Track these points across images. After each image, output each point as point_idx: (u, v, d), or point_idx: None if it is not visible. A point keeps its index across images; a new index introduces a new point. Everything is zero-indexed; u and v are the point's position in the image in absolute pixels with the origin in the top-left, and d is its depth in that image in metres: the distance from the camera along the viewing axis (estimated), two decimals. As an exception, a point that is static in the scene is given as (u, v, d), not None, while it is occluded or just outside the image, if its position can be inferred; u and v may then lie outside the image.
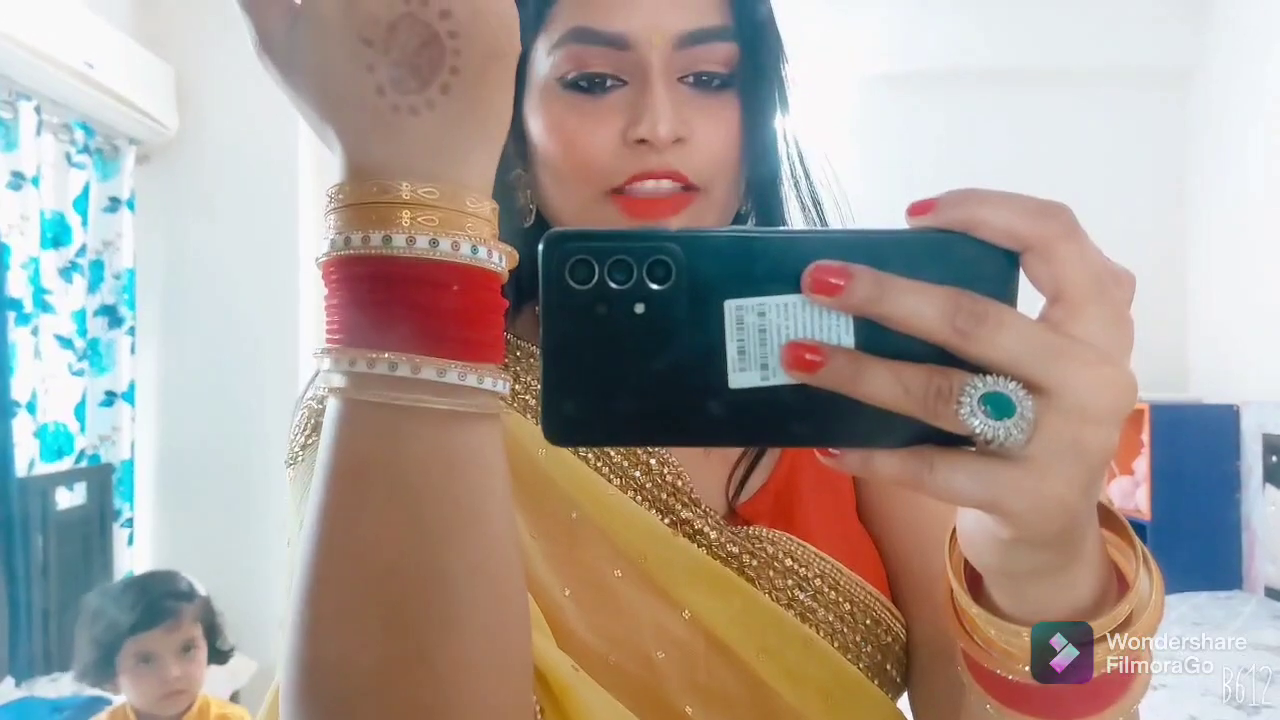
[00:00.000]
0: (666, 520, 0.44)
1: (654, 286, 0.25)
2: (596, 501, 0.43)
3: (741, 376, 0.25)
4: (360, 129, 0.27)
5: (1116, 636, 0.29)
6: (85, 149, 2.34)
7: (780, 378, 0.25)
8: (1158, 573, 0.31)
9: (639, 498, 0.44)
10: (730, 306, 0.25)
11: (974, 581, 0.30)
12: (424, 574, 0.27)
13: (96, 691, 1.84)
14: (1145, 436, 2.85)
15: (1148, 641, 0.30)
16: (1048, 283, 0.25)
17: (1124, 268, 0.27)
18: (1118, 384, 0.24)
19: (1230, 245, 2.93)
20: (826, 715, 0.43)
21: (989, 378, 0.24)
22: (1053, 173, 3.02)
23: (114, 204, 2.47)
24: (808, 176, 0.47)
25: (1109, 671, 0.29)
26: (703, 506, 0.45)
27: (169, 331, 2.71)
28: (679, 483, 0.44)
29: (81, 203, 2.34)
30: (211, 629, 1.46)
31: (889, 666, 0.44)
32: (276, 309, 2.70)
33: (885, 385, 0.24)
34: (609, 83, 0.42)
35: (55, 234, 2.28)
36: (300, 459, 0.45)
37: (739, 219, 0.46)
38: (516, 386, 0.45)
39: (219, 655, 1.48)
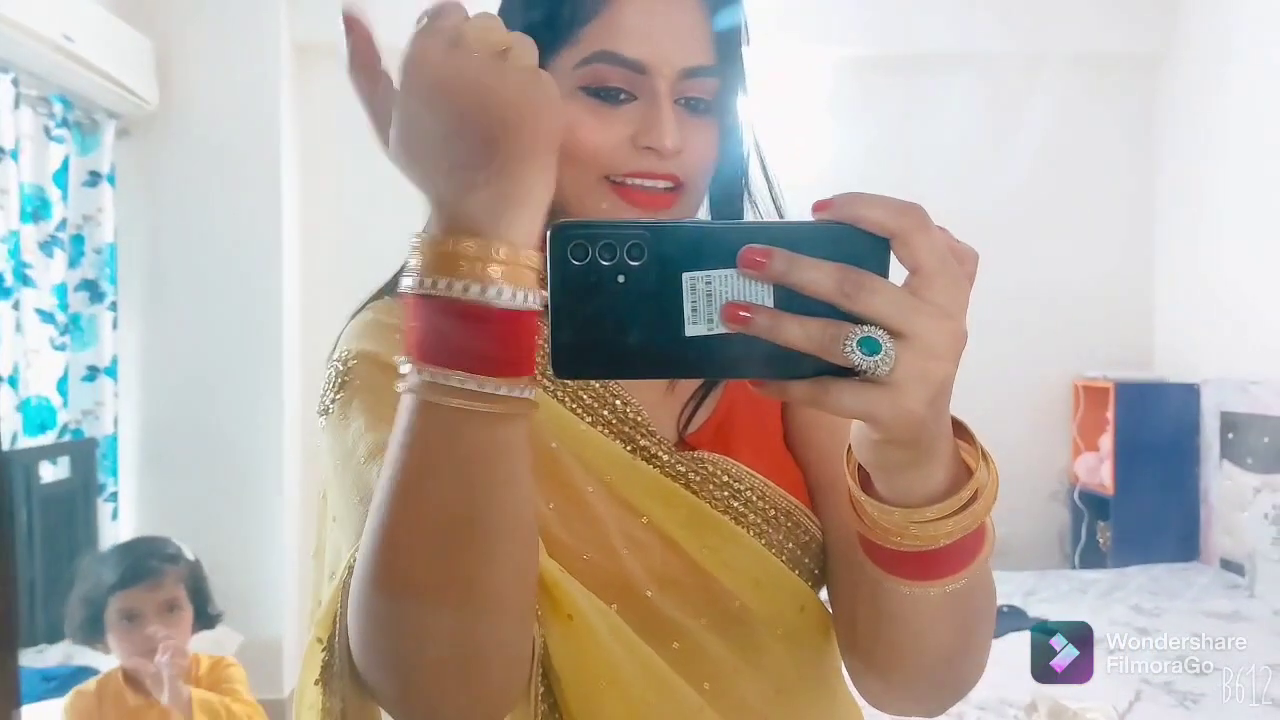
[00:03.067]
0: (628, 448, 0.54)
1: (631, 263, 0.35)
2: (572, 434, 0.54)
3: (694, 328, 0.35)
4: (441, 196, 0.38)
5: (962, 512, 0.39)
6: (64, 122, 2.33)
7: (721, 329, 0.34)
8: (994, 465, 0.40)
9: (607, 431, 0.54)
10: (686, 277, 0.35)
11: (865, 481, 0.41)
12: (470, 525, 0.39)
13: (84, 661, 1.88)
14: (1110, 414, 2.95)
15: (989, 516, 0.40)
16: (908, 261, 0.35)
17: (968, 246, 0.37)
18: (955, 332, 0.35)
19: (1196, 231, 3.02)
20: (755, 597, 0.54)
21: (865, 327, 0.34)
22: (1023, 157, 3.07)
23: (94, 178, 2.46)
24: (765, 172, 0.60)
25: (960, 539, 0.40)
26: (657, 436, 0.55)
27: (151, 306, 2.71)
28: (639, 418, 0.55)
29: (61, 176, 2.33)
30: (199, 593, 1.50)
31: (806, 559, 0.56)
32: (258, 283, 2.71)
33: (794, 333, 0.34)
34: (622, 95, 0.52)
35: (35, 208, 2.27)
36: (331, 410, 0.53)
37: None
38: None
39: (207, 619, 1.52)
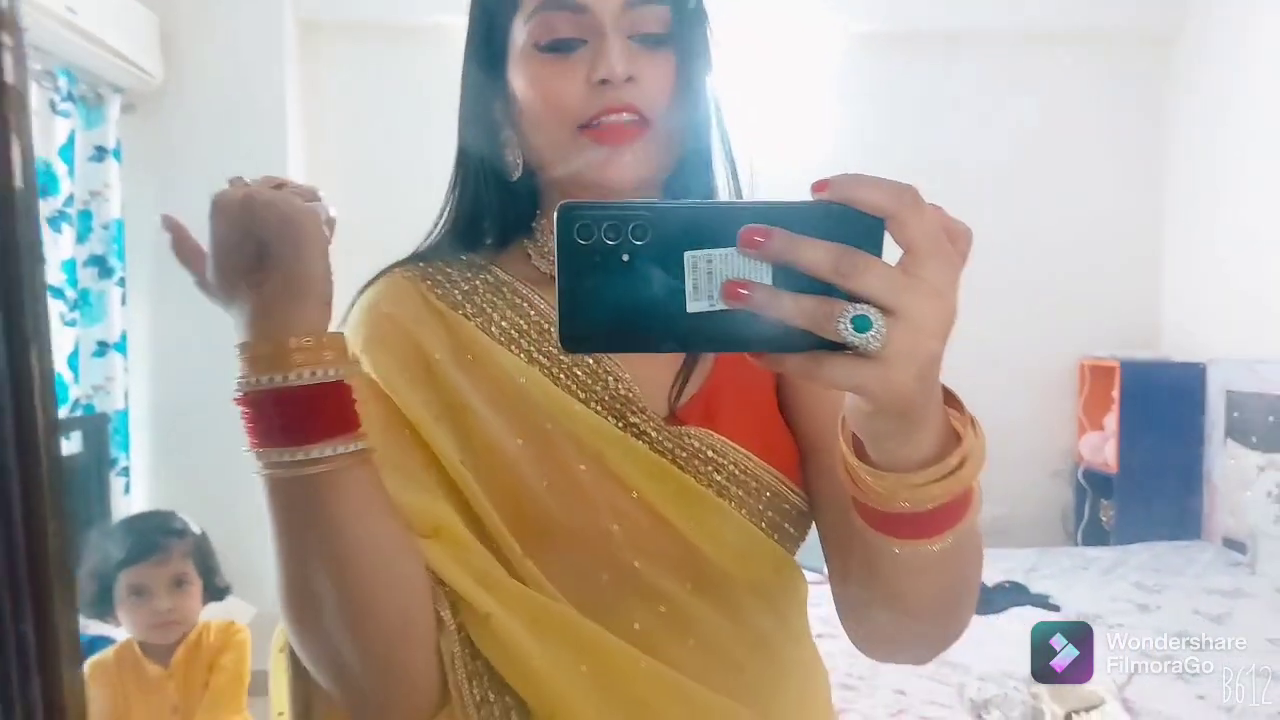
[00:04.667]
0: (619, 424, 0.56)
1: (635, 243, 0.36)
2: (565, 413, 0.55)
3: (695, 304, 0.36)
4: (240, 306, 0.48)
5: (950, 477, 0.41)
6: (69, 96, 2.33)
7: (721, 305, 0.36)
8: (981, 432, 0.42)
9: (599, 408, 0.56)
10: (688, 256, 0.36)
11: (858, 448, 0.42)
12: (326, 559, 0.48)
13: (100, 631, 1.91)
14: (1116, 393, 2.95)
15: (976, 480, 0.43)
16: (901, 240, 0.36)
17: (962, 224, 0.38)
18: (945, 310, 0.36)
19: (1203, 210, 2.99)
20: (736, 563, 0.56)
21: (858, 305, 0.35)
22: (1033, 134, 3.05)
23: (100, 153, 2.46)
24: (723, 124, 0.59)
25: (948, 501, 0.42)
26: (647, 412, 0.57)
27: (159, 282, 2.72)
28: (630, 394, 0.56)
29: (67, 151, 2.33)
30: (206, 566, 1.53)
31: (785, 524, 0.58)
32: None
33: (790, 309, 0.35)
34: (573, 44, 0.53)
35: (42, 183, 2.28)
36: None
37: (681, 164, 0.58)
38: (503, 323, 0.58)
39: (216, 592, 1.55)
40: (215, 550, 1.58)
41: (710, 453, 0.56)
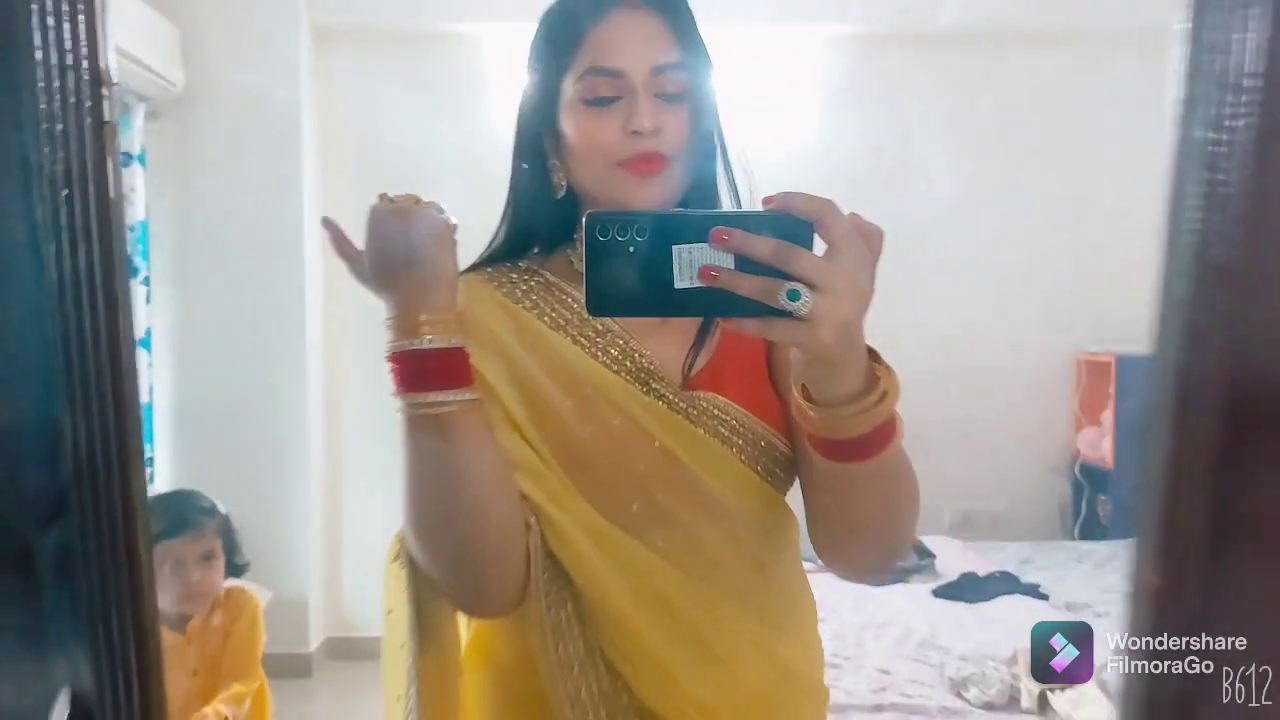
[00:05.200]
0: (644, 390, 0.72)
1: (638, 239, 0.50)
2: (603, 381, 0.72)
3: (681, 283, 0.50)
4: (390, 293, 0.63)
5: (877, 406, 0.55)
6: (97, 105, 2.45)
7: (699, 283, 0.50)
8: (895, 376, 0.57)
9: (629, 378, 0.72)
10: (675, 249, 0.50)
11: (805, 392, 0.57)
12: (448, 480, 0.64)
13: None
14: (1112, 389, 2.99)
15: (895, 410, 0.57)
16: (825, 237, 0.51)
17: (875, 226, 0.52)
18: (856, 287, 0.50)
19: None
20: (735, 498, 0.72)
21: (792, 283, 0.49)
22: (1037, 133, 3.10)
23: (126, 159, 2.58)
24: (726, 157, 0.77)
25: (875, 429, 0.56)
26: (666, 380, 0.73)
27: (181, 281, 2.84)
28: (652, 367, 0.72)
29: (95, 157, 2.45)
30: (230, 544, 1.63)
31: (777, 470, 0.73)
32: (282, 258, 2.83)
33: (745, 286, 0.49)
34: (612, 100, 0.69)
35: (72, 187, 2.40)
36: None
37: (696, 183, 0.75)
38: (552, 314, 0.74)
39: (235, 568, 1.65)
40: (236, 529, 1.69)
41: (716, 411, 0.71)
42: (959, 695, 1.75)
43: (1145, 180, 3.31)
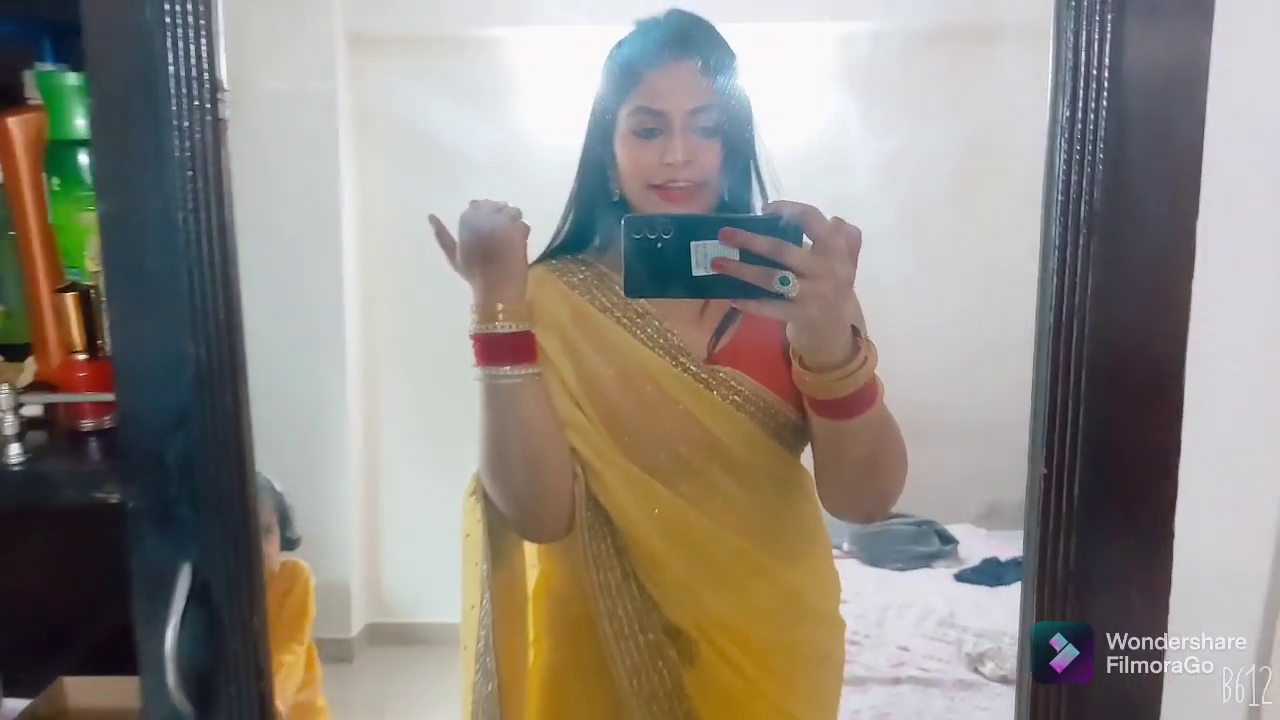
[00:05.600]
0: (673, 364, 0.86)
1: (665, 236, 0.64)
2: (639, 355, 0.86)
3: (698, 270, 0.64)
4: (476, 282, 0.78)
5: (858, 371, 0.70)
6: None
7: (712, 271, 0.63)
8: (874, 347, 0.71)
9: (661, 353, 0.86)
10: (693, 244, 0.64)
11: (800, 360, 0.71)
12: (516, 435, 0.81)
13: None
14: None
15: (875, 374, 0.72)
16: (811, 235, 0.63)
17: (854, 227, 0.65)
18: (837, 275, 0.64)
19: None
20: (748, 454, 0.86)
21: (784, 271, 0.63)
22: (1032, 131, 3.08)
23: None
24: (760, 176, 0.91)
25: (858, 391, 0.71)
26: (692, 355, 0.87)
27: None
28: (681, 344, 0.86)
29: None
30: (284, 518, 1.74)
31: (784, 433, 0.87)
32: (320, 257, 2.93)
33: (747, 274, 0.63)
34: (655, 132, 0.83)
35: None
36: None
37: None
38: (602, 299, 0.88)
39: (288, 542, 1.76)
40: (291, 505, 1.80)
41: (733, 382, 0.85)
42: (975, 670, 1.81)
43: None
